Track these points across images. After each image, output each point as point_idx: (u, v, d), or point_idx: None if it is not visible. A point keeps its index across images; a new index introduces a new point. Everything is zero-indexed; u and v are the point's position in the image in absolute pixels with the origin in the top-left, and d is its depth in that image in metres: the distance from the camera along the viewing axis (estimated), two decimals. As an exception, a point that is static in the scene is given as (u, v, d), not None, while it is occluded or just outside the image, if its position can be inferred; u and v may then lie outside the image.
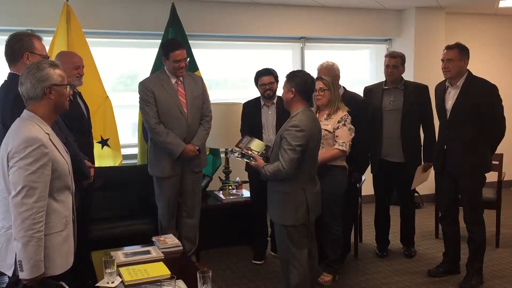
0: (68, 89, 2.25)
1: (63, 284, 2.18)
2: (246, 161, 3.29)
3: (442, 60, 3.64)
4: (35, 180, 2.04)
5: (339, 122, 3.50)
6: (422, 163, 4.18)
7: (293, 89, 3.03)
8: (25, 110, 2.18)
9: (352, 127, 3.55)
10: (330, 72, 3.83)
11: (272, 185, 3.15)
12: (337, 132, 3.50)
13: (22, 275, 2.05)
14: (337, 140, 3.50)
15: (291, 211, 3.04)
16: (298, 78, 3.04)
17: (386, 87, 4.22)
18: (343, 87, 4.02)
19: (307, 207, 3.06)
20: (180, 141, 3.72)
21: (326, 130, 3.49)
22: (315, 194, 3.14)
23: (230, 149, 3.38)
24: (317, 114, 3.59)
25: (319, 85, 3.50)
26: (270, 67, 4.12)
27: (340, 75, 4.00)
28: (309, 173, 3.11)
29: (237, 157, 3.24)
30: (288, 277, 3.18)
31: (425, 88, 4.17)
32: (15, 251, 2.08)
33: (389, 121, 4.14)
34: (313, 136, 3.04)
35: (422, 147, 4.22)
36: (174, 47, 3.73)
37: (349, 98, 3.94)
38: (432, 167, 4.01)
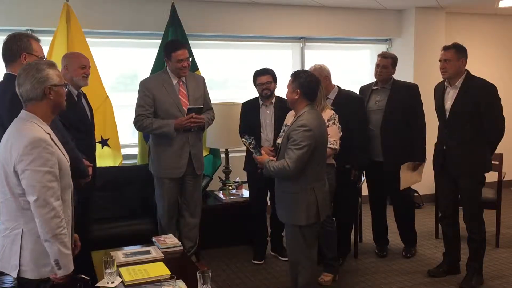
0: (65, 88, 2.26)
1: (83, 276, 2.29)
2: (253, 152, 3.24)
3: (440, 60, 3.65)
4: (50, 179, 2.05)
5: (328, 120, 3.50)
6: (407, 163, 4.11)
7: (298, 90, 3.01)
8: (23, 111, 2.17)
9: (340, 125, 3.56)
10: (319, 74, 3.84)
11: (281, 186, 3.12)
12: (327, 130, 3.50)
13: (60, 273, 2.09)
14: (328, 139, 3.50)
15: (303, 211, 3.02)
16: (303, 80, 3.01)
17: (375, 87, 4.24)
18: (338, 86, 4.02)
19: (317, 206, 3.05)
20: (167, 120, 3.68)
21: None
22: (324, 193, 3.13)
23: (247, 136, 3.34)
24: None
25: None
26: (268, 67, 4.12)
27: (332, 76, 3.96)
28: (318, 173, 3.09)
29: (249, 142, 3.24)
30: (296, 277, 3.18)
31: (414, 87, 4.16)
32: (19, 253, 2.09)
33: (373, 121, 4.14)
34: (321, 135, 3.03)
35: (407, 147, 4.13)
36: (176, 47, 3.72)
37: (344, 96, 3.95)
38: (427, 166, 4.00)
